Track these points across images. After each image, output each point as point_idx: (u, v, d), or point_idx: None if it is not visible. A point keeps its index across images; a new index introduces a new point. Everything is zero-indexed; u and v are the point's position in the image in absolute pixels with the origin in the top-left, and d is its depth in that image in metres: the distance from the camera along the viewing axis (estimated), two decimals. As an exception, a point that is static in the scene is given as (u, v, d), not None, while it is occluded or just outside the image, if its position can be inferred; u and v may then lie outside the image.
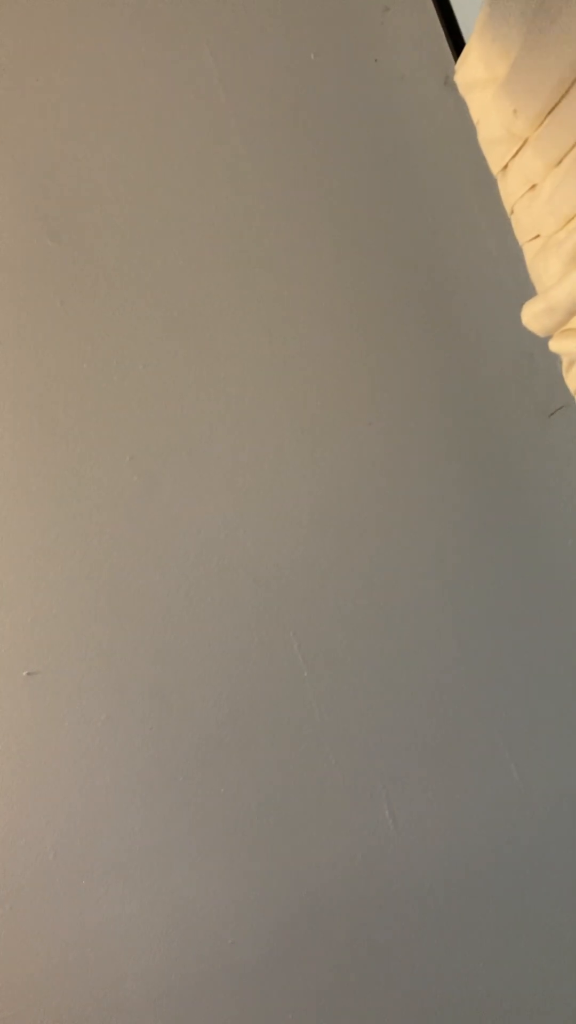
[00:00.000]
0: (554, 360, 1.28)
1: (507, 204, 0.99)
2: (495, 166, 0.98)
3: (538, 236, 0.95)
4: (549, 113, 0.84)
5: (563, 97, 0.81)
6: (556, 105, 0.83)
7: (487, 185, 1.25)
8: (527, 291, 1.19)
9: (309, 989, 1.24)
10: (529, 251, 0.98)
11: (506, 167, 0.96)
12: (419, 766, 1.26)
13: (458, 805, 1.27)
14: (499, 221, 1.27)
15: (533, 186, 0.93)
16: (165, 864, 1.22)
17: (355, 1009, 1.25)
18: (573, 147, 0.83)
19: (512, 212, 0.99)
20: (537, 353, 1.28)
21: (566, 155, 0.85)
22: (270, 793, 1.23)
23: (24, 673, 1.20)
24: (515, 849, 1.28)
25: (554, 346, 0.97)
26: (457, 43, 1.14)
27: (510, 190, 0.97)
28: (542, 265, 0.93)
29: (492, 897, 1.27)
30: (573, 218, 0.87)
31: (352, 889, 1.25)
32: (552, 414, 1.29)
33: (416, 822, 1.26)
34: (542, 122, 0.86)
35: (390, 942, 1.26)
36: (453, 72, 1.19)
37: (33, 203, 1.22)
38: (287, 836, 1.24)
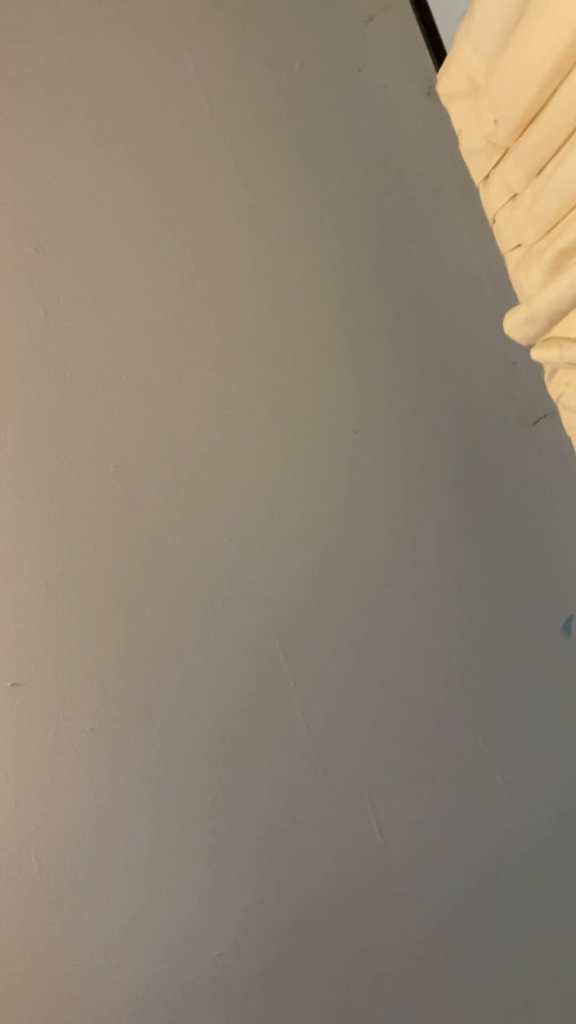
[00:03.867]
0: (538, 368, 1.28)
1: (489, 213, 0.99)
2: (477, 176, 0.99)
3: (520, 245, 0.96)
4: (530, 123, 0.85)
5: (543, 107, 0.82)
6: (536, 115, 0.83)
7: (470, 195, 1.26)
8: (510, 300, 1.20)
9: (298, 1000, 1.23)
10: (511, 260, 0.99)
11: (488, 176, 0.97)
12: (405, 776, 1.26)
13: (444, 815, 1.26)
14: (482, 230, 1.27)
15: (514, 195, 0.93)
16: (151, 876, 1.21)
17: (345, 1019, 1.24)
18: (553, 156, 0.84)
19: (494, 221, 0.99)
20: (520, 362, 1.29)
21: (546, 164, 0.85)
22: (256, 804, 1.23)
23: (8, 684, 1.19)
24: (501, 858, 1.27)
25: (536, 355, 0.97)
26: (439, 54, 1.15)
27: (492, 199, 0.97)
28: (524, 274, 0.94)
29: (480, 906, 1.27)
30: (554, 227, 0.87)
31: (340, 899, 1.24)
32: (536, 422, 1.29)
33: (403, 832, 1.25)
34: (523, 132, 0.86)
35: (379, 952, 1.25)
36: (435, 82, 1.20)
37: (16, 212, 1.22)
38: (274, 847, 1.23)
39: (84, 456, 1.22)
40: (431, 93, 1.27)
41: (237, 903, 1.22)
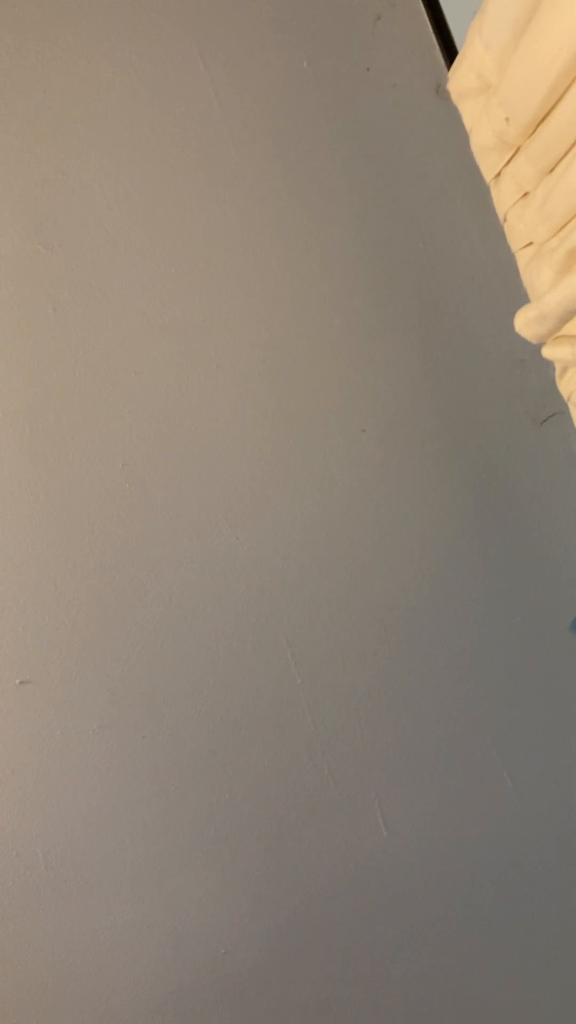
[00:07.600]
0: (546, 368, 1.28)
1: (500, 212, 0.99)
2: (488, 174, 0.98)
3: (531, 243, 0.96)
4: (541, 121, 0.84)
5: (555, 105, 0.82)
6: (548, 113, 0.83)
7: (479, 193, 1.25)
8: (519, 299, 1.20)
9: (302, 998, 1.23)
10: (522, 258, 0.99)
11: (499, 175, 0.96)
12: (412, 774, 1.26)
13: (451, 814, 1.26)
14: (491, 229, 1.27)
15: (526, 194, 0.93)
16: (158, 874, 1.21)
17: (348, 1018, 1.24)
18: (565, 154, 0.84)
19: (505, 220, 0.99)
20: (529, 360, 1.28)
21: (558, 162, 0.85)
22: (263, 802, 1.23)
23: (16, 681, 1.19)
24: (508, 857, 1.27)
25: (547, 352, 0.97)
26: (450, 52, 1.15)
27: (503, 198, 0.97)
28: (535, 272, 0.94)
29: (484, 905, 1.27)
30: (566, 225, 0.87)
31: (345, 897, 1.24)
32: (544, 421, 1.29)
33: (409, 830, 1.25)
34: (535, 130, 0.86)
35: (383, 950, 1.25)
36: (445, 81, 1.20)
37: (25, 211, 1.22)
38: (280, 844, 1.23)
39: (92, 454, 1.22)
40: (440, 91, 1.27)
41: (243, 900, 1.22)
